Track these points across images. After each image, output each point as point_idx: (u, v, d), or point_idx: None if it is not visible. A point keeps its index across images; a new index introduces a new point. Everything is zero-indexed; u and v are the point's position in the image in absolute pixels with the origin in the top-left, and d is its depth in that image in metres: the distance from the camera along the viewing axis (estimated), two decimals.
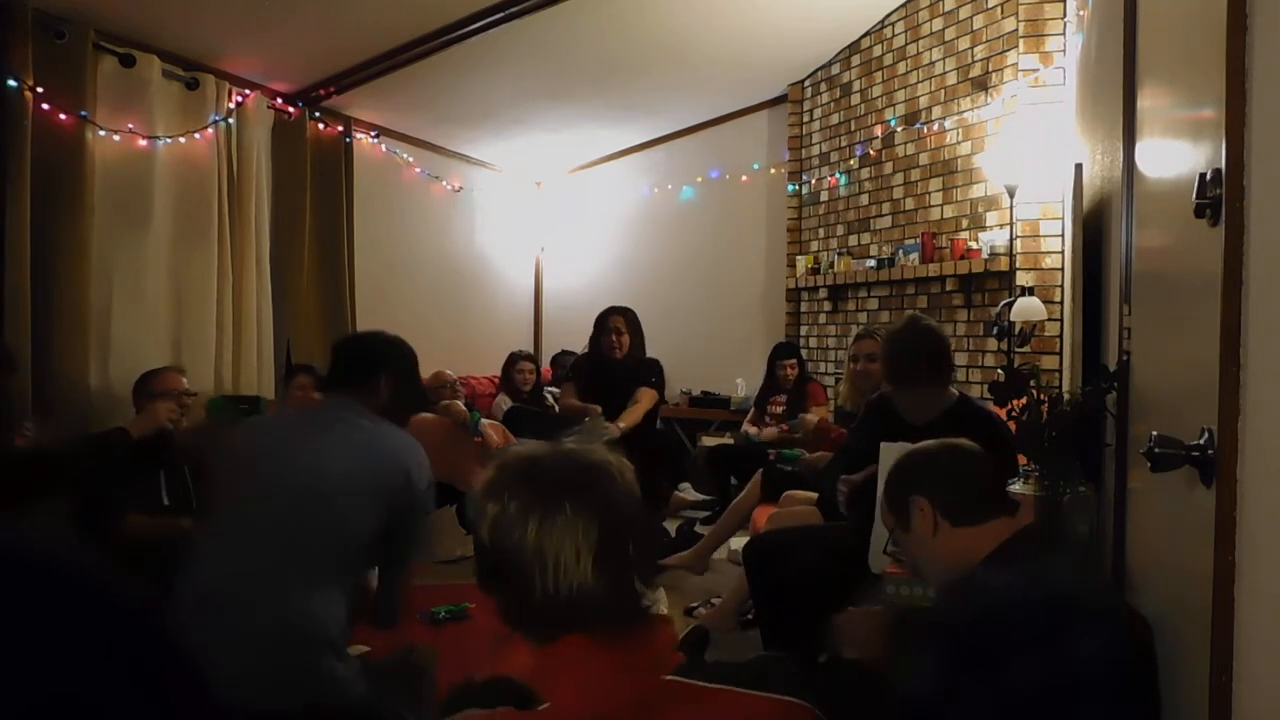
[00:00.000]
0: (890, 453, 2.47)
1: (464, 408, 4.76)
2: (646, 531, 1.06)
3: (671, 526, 4.68)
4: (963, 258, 4.37)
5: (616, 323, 4.28)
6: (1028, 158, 3.92)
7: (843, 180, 5.35)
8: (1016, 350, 3.91)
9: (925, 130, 4.74)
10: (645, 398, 4.15)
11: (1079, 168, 2.99)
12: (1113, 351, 2.08)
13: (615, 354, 4.25)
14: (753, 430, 4.92)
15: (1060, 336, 3.85)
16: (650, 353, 4.47)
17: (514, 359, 5.57)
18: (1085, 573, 1.59)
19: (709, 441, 5.71)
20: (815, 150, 5.62)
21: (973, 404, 2.54)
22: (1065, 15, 4.02)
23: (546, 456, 1.04)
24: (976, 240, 4.35)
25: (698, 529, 4.65)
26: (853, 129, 5.30)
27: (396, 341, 2.10)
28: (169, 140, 4.00)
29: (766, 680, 1.03)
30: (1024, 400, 2.16)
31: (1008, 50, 4.24)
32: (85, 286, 3.61)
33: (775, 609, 2.78)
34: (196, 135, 4.12)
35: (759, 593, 2.90)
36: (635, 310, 4.41)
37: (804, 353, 5.62)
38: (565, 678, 0.99)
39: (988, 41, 4.36)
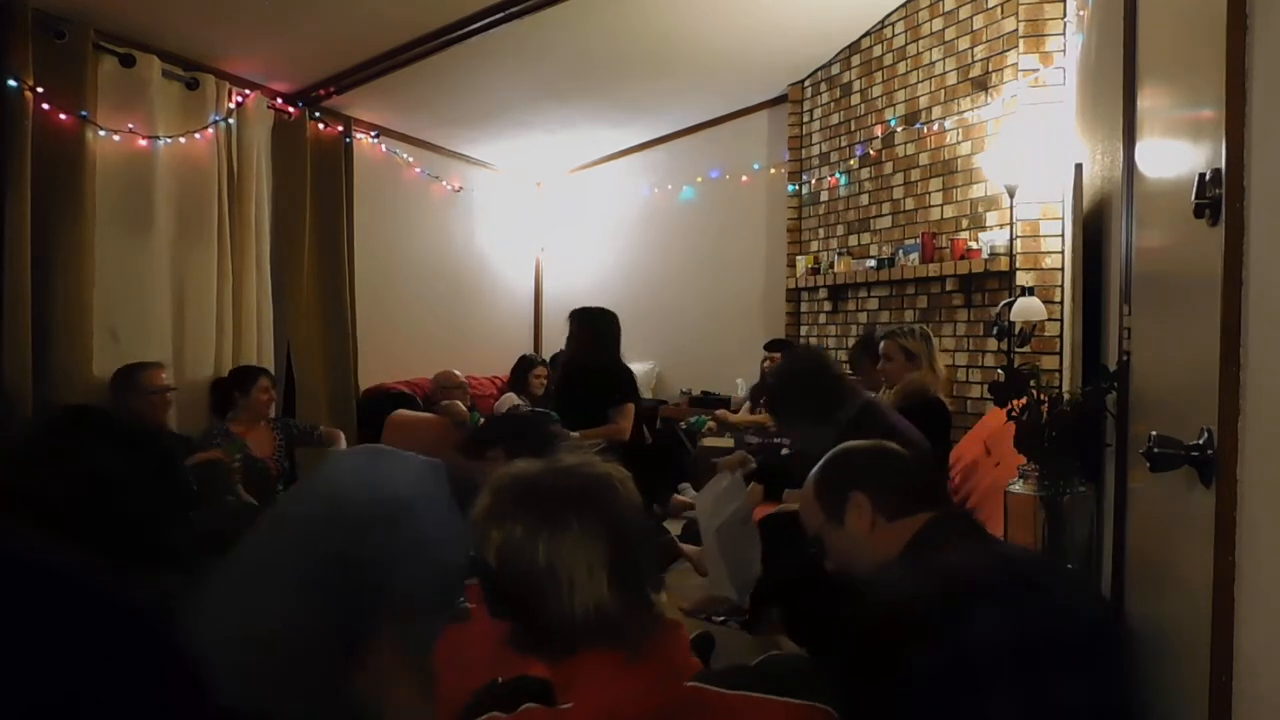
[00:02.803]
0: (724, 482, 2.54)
1: (464, 408, 4.76)
2: (652, 540, 1.04)
3: (674, 527, 4.68)
4: (963, 258, 4.37)
5: (570, 325, 4.23)
6: (1028, 158, 3.92)
7: (843, 180, 5.35)
8: (1016, 350, 3.91)
9: (925, 130, 4.74)
10: (613, 431, 4.00)
11: (1079, 168, 2.99)
12: (1113, 351, 2.08)
13: (565, 354, 4.22)
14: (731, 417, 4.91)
15: (1060, 336, 3.85)
16: (649, 353, 4.44)
17: (530, 364, 5.53)
18: (999, 552, 1.61)
19: (709, 442, 5.71)
20: (815, 150, 5.62)
21: (877, 415, 2.51)
22: (1065, 15, 4.02)
23: (543, 474, 1.02)
24: (976, 240, 4.35)
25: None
26: (853, 129, 5.30)
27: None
28: (169, 140, 4.00)
29: (783, 682, 1.03)
30: (1024, 400, 2.16)
31: (1008, 50, 4.24)
32: (86, 286, 3.61)
33: (767, 593, 2.78)
34: (197, 135, 4.12)
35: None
36: (631, 310, 4.35)
37: None
38: (585, 687, 0.97)
39: (988, 41, 4.36)
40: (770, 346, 5.10)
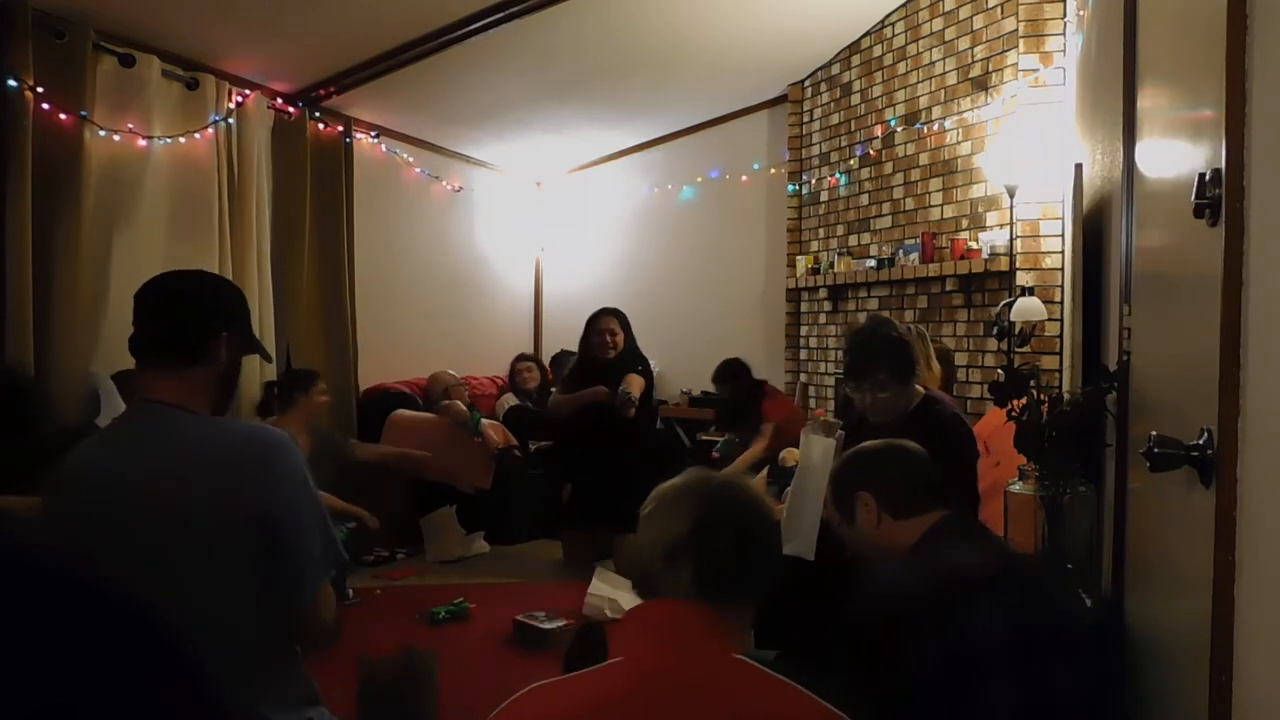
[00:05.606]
0: (813, 445, 2.53)
1: (464, 408, 4.77)
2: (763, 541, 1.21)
3: None
4: (963, 258, 4.37)
5: (609, 324, 4.33)
6: (1028, 158, 3.92)
7: (843, 180, 5.35)
8: (1016, 350, 3.90)
9: (925, 130, 4.74)
10: (635, 384, 4.25)
11: (1079, 168, 2.99)
12: (1113, 351, 2.08)
13: (609, 354, 4.30)
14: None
15: (1060, 336, 3.85)
16: (649, 353, 4.49)
17: (516, 360, 5.60)
18: (999, 552, 1.67)
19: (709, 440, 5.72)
20: (815, 150, 5.62)
21: (935, 410, 2.50)
22: (1065, 15, 4.02)
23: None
24: (976, 240, 4.35)
25: None
26: (853, 129, 5.30)
27: (222, 283, 1.66)
28: (169, 140, 4.00)
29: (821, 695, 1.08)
30: (1024, 400, 2.16)
31: (1008, 50, 4.24)
32: (85, 285, 3.61)
33: (773, 601, 2.78)
34: (196, 135, 4.12)
35: None
36: (631, 310, 4.45)
37: (804, 353, 5.64)
38: (645, 636, 1.09)
39: (988, 41, 4.36)
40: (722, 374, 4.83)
